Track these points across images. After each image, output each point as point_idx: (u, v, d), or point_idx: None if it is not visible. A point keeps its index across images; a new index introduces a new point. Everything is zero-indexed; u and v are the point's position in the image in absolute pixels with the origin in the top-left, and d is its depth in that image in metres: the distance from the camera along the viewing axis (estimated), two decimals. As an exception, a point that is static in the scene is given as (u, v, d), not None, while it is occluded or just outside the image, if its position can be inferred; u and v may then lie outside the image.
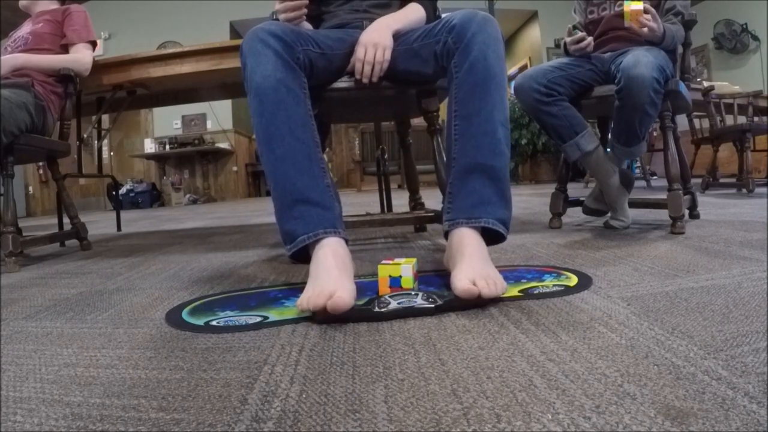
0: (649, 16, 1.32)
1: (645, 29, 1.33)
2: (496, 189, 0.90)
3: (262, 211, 3.62)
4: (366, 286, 0.87)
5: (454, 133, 0.93)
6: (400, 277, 0.80)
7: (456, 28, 0.95)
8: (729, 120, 3.41)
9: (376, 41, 1.07)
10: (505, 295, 0.78)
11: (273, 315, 0.74)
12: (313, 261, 0.82)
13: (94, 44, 1.83)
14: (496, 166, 0.90)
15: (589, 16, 1.65)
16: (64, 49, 1.76)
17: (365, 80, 1.09)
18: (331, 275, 0.75)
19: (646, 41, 1.39)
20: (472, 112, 0.91)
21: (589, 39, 1.49)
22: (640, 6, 1.33)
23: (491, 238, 0.90)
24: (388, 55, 1.08)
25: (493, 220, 0.87)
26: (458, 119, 0.93)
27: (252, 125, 0.96)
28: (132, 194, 6.33)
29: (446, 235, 0.92)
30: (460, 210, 0.89)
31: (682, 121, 2.35)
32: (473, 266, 0.78)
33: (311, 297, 0.70)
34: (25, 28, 1.78)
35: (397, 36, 1.11)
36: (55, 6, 1.84)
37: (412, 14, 1.17)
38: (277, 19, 1.10)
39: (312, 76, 1.01)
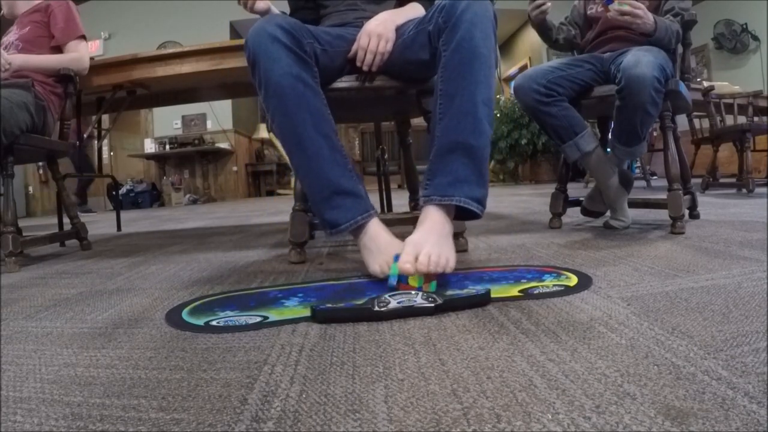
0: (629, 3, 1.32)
1: (626, 17, 1.33)
2: (473, 168, 0.93)
3: (262, 211, 3.62)
4: (365, 287, 0.87)
5: (438, 111, 0.96)
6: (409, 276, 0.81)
7: (446, 7, 0.97)
8: (729, 120, 3.40)
9: (380, 32, 1.08)
10: (505, 295, 0.78)
11: (273, 315, 0.74)
12: (366, 239, 0.95)
13: (84, 37, 1.78)
14: (476, 145, 0.93)
15: (589, 12, 1.65)
16: (56, 50, 1.73)
17: (365, 68, 1.10)
18: (394, 244, 0.92)
19: (644, 37, 1.39)
20: (456, 92, 0.94)
21: (549, 4, 1.50)
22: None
23: (465, 215, 0.95)
24: (389, 47, 1.09)
25: (466, 199, 0.92)
26: (442, 98, 0.96)
27: (272, 123, 1.00)
28: (132, 194, 6.33)
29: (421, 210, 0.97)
30: (436, 188, 0.93)
31: (682, 121, 2.35)
32: (425, 239, 0.85)
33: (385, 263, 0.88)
34: (14, 33, 1.74)
35: (397, 30, 1.12)
36: (35, 2, 1.78)
37: (413, 12, 1.17)
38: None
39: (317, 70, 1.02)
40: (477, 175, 0.93)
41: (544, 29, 1.63)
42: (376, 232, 0.95)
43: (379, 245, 0.93)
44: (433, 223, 0.89)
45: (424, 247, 0.82)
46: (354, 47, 1.11)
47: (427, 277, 0.81)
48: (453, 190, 0.91)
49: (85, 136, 2.17)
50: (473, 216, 0.95)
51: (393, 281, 0.82)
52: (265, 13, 1.17)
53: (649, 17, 1.34)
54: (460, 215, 0.95)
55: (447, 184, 0.92)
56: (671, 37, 1.40)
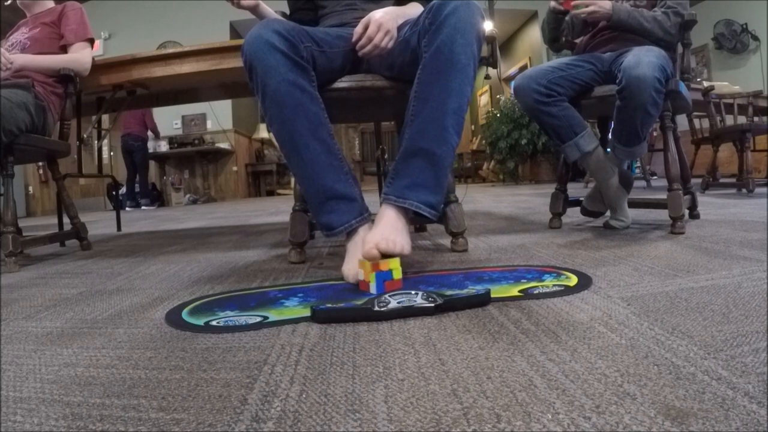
0: None
1: (588, 8, 1.39)
2: (432, 174, 0.97)
3: (262, 211, 3.62)
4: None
5: (410, 113, 0.98)
6: (391, 270, 0.82)
7: (433, 8, 0.97)
8: (729, 120, 3.40)
9: (388, 28, 1.07)
10: (505, 295, 0.78)
11: (273, 315, 0.74)
12: (350, 243, 1.00)
13: (92, 41, 1.82)
14: (438, 153, 0.96)
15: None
16: (63, 50, 1.75)
17: (360, 54, 1.09)
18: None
19: (643, 39, 1.39)
20: (429, 97, 0.96)
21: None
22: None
23: (420, 217, 0.99)
24: (391, 44, 1.08)
25: (418, 203, 0.95)
26: (416, 100, 0.98)
27: (271, 129, 1.02)
28: (132, 194, 6.32)
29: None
30: (395, 189, 0.97)
31: (682, 121, 2.35)
32: (381, 232, 0.89)
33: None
34: (23, 32, 1.76)
35: (398, 30, 1.11)
36: (51, 4, 1.83)
37: (415, 12, 1.16)
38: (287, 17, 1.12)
39: (314, 73, 1.02)
40: (434, 181, 0.97)
41: (559, 23, 1.65)
42: (360, 237, 0.98)
43: (355, 249, 0.95)
44: (388, 219, 0.94)
45: (376, 236, 0.86)
46: (358, 29, 1.08)
47: (390, 284, 0.82)
48: (409, 194, 0.95)
49: (83, 135, 2.17)
50: (427, 219, 0.99)
51: (360, 276, 0.86)
52: (254, 8, 1.17)
53: (606, 5, 1.39)
54: (415, 216, 0.98)
55: (404, 187, 0.96)
56: (641, 21, 1.41)
